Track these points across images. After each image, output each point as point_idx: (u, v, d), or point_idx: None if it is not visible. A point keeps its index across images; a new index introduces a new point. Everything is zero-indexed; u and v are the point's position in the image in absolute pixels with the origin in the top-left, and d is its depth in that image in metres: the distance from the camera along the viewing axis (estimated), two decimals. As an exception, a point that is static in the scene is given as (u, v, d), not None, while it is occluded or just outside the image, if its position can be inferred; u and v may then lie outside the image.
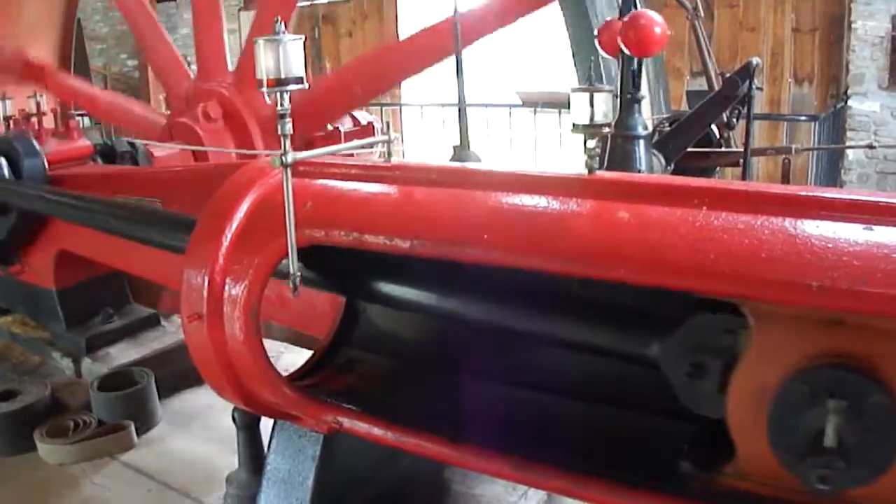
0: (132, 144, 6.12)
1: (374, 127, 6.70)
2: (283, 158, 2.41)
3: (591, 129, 2.46)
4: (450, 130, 10.19)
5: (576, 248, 2.24)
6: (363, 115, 6.90)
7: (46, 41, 8.25)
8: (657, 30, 3.23)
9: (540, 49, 11.94)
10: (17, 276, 6.39)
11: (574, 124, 2.49)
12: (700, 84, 10.27)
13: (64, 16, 8.36)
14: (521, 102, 10.38)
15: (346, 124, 6.55)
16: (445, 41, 4.49)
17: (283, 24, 2.41)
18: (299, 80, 2.43)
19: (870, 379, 1.94)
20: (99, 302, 6.09)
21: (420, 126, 12.22)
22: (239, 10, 15.29)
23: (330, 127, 6.44)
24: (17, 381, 5.91)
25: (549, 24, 11.84)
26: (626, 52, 3.36)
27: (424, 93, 13.56)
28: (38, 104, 6.02)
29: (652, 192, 2.33)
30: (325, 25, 14.94)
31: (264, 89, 2.43)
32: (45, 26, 8.23)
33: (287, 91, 2.41)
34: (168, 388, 5.69)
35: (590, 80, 2.54)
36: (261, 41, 2.41)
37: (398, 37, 13.97)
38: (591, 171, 2.46)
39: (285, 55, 2.40)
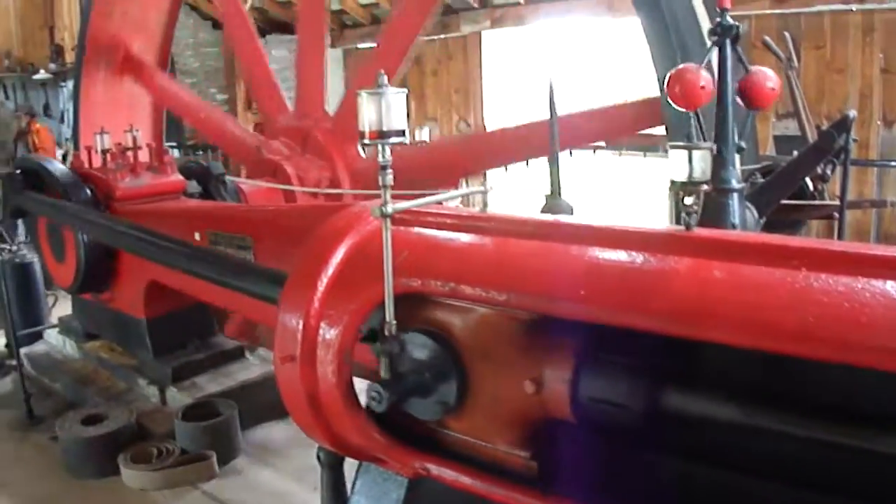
0: (224, 181, 6.24)
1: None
2: (383, 209, 2.44)
3: (689, 187, 2.45)
4: (535, 170, 10.17)
5: (672, 307, 2.22)
6: (450, 158, 6.92)
7: (148, 41, 8.32)
8: (770, 85, 3.22)
9: (626, 89, 11.94)
10: (108, 304, 6.53)
11: (672, 181, 2.48)
12: (786, 127, 10.14)
13: (167, 17, 8.43)
14: (604, 144, 10.36)
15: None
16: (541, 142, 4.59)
17: (385, 76, 2.45)
18: (401, 133, 2.46)
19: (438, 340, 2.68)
20: (186, 332, 6.21)
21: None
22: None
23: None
24: (104, 405, 6.04)
25: (634, 64, 11.84)
26: (716, 103, 3.34)
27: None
28: (134, 138, 6.18)
29: (750, 252, 2.30)
30: (411, 64, 15.03)
31: (366, 141, 2.47)
32: (148, 26, 8.31)
33: (388, 144, 2.45)
34: (250, 420, 5.75)
35: (689, 137, 2.53)
36: (364, 94, 2.45)
37: (482, 77, 14.02)
38: (688, 227, 2.44)
39: (388, 108, 2.44)
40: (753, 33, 9.99)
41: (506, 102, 14.12)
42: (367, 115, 2.45)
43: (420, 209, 2.86)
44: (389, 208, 2.45)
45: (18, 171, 6.40)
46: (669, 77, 3.29)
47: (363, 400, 2.89)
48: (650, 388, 2.36)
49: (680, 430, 2.40)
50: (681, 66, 3.33)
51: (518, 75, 13.90)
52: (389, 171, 2.46)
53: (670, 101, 3.32)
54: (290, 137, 6.50)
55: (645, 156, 9.76)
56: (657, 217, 10.10)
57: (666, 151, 7.38)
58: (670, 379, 2.36)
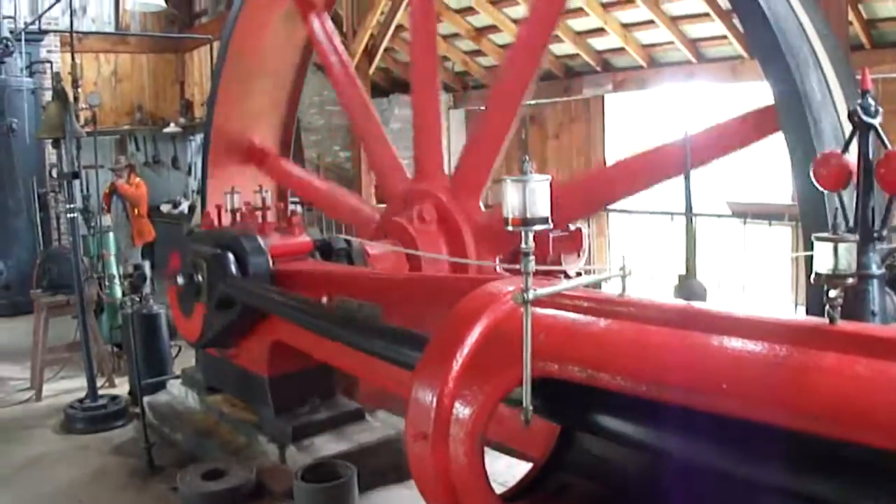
0: (348, 242, 6.33)
1: (581, 233, 6.69)
2: (525, 295, 2.45)
3: (834, 280, 2.41)
4: (657, 235, 10.09)
5: (817, 406, 2.18)
6: (571, 221, 6.88)
7: (270, 127, 8.73)
8: (843, 165, 3.14)
9: (749, 158, 11.75)
10: (233, 360, 6.65)
11: (816, 273, 2.44)
12: (916, 197, 9.81)
13: (287, 104, 8.83)
14: (730, 213, 10.25)
15: (554, 230, 6.56)
16: (671, 163, 4.57)
17: (531, 163, 2.48)
18: (545, 221, 2.48)
19: None
20: (307, 392, 6.27)
21: (627, 231, 12.08)
22: (449, 108, 15.61)
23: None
24: (224, 460, 6.12)
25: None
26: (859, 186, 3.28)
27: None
28: (263, 199, 6.32)
29: (898, 348, 2.24)
30: (533, 126, 15.07)
31: (510, 228, 2.49)
32: (269, 114, 8.71)
33: (531, 231, 2.47)
34: (368, 483, 5.76)
35: (834, 228, 2.49)
36: (508, 180, 2.48)
37: (605, 140, 14.02)
38: (832, 320, 2.40)
39: (531, 195, 2.46)
40: (880, 97, 9.75)
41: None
42: (511, 201, 2.47)
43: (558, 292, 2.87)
44: (531, 294, 2.46)
45: (225, 251, 5.98)
46: (815, 161, 3.25)
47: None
48: None
49: None
50: (827, 150, 3.30)
51: (641, 139, 13.86)
52: (531, 257, 2.48)
53: (814, 183, 3.29)
54: (412, 201, 6.54)
55: (770, 225, 9.62)
56: (782, 288, 9.93)
57: (791, 220, 7.24)
58: None
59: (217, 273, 5.93)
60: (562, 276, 5.78)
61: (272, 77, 8.59)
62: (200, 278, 6.11)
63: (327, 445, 6.03)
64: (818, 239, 2.46)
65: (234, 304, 5.94)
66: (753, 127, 5.01)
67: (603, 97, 13.96)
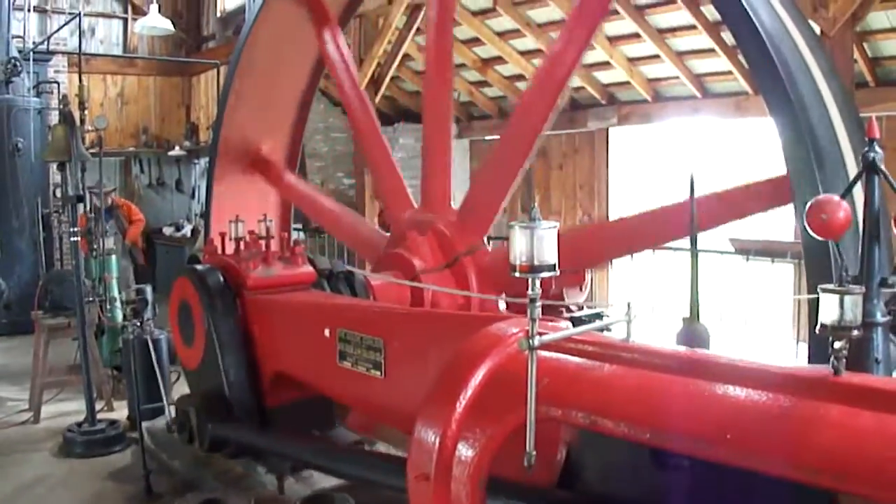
0: (351, 273, 6.31)
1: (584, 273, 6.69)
2: (531, 342, 2.45)
3: (839, 332, 2.41)
4: (659, 269, 10.07)
5: (820, 459, 2.17)
6: (574, 260, 6.87)
7: (278, 140, 8.53)
8: (841, 214, 3.12)
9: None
10: (232, 389, 6.63)
11: (822, 324, 2.44)
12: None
13: (296, 119, 8.65)
14: (732, 249, 10.26)
15: (556, 269, 6.53)
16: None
17: (538, 209, 2.48)
18: (552, 268, 2.47)
19: None
20: (307, 423, 6.23)
21: (629, 265, 12.02)
22: (453, 137, 15.58)
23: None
24: (221, 490, 6.09)
25: (763, 164, 11.69)
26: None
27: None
28: (267, 229, 6.30)
29: (904, 402, 2.24)
30: (537, 157, 15.05)
31: (517, 273, 2.49)
32: (278, 126, 8.53)
33: (539, 277, 2.47)
34: (365, 517, 5.73)
35: (840, 280, 2.50)
36: (516, 226, 2.48)
37: (608, 173, 14.04)
38: (837, 372, 2.40)
39: (539, 242, 2.46)
40: (884, 135, 9.69)
41: (631, 199, 14.07)
42: (519, 247, 2.47)
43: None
44: (537, 341, 2.46)
45: (212, 398, 6.19)
46: (809, 207, 3.22)
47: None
48: None
49: None
50: (821, 196, 3.28)
51: (644, 172, 13.88)
52: (538, 304, 2.47)
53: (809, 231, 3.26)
54: (415, 231, 6.49)
55: (773, 262, 9.63)
56: (783, 324, 9.92)
57: (793, 258, 7.22)
58: None
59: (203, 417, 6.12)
60: (564, 310, 5.77)
61: (283, 88, 8.43)
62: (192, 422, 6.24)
63: (326, 477, 5.99)
64: (824, 290, 2.46)
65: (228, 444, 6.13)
66: (761, 198, 4.95)
67: (607, 130, 13.96)
